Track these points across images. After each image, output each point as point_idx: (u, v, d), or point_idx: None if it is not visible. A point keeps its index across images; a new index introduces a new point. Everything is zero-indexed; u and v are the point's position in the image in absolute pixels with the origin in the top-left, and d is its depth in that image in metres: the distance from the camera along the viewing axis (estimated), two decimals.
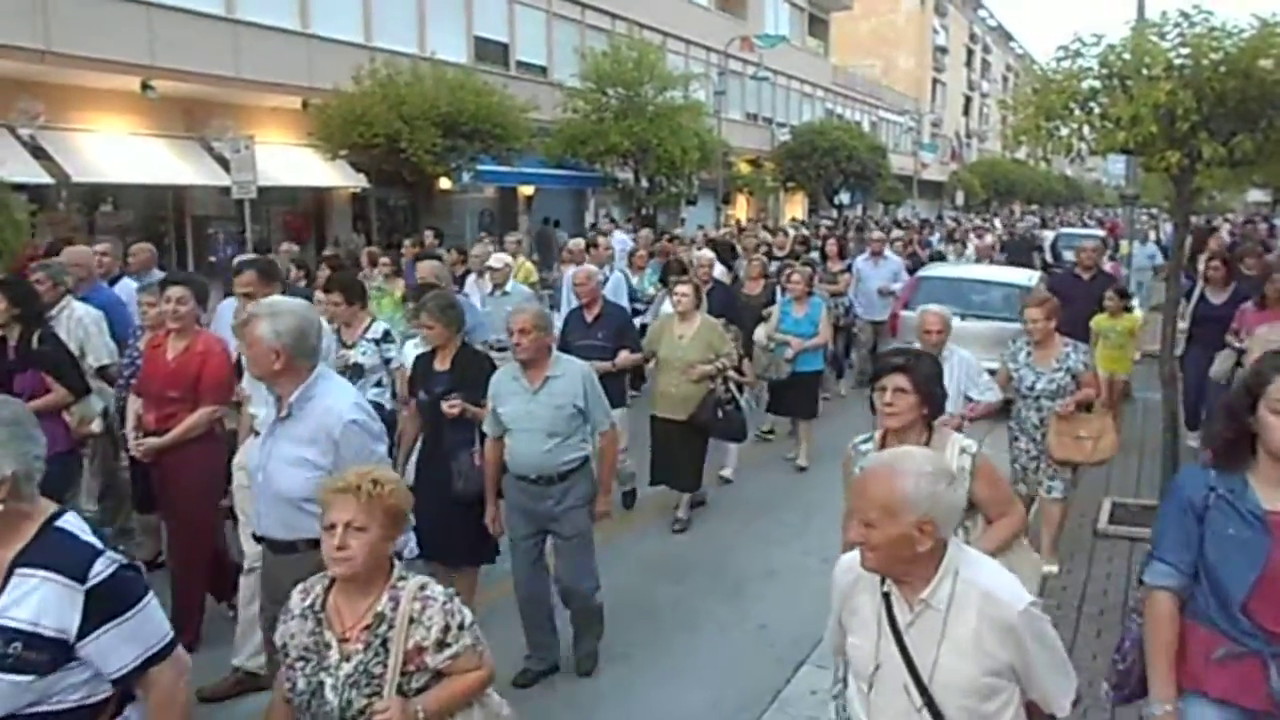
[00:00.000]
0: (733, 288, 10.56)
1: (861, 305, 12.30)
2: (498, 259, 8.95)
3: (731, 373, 7.56)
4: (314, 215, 20.59)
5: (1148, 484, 7.18)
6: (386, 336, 6.11)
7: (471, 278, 9.51)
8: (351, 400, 3.70)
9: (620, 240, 16.07)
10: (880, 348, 11.96)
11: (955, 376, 5.51)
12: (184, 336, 5.18)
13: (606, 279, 9.37)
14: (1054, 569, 6.11)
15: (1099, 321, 8.80)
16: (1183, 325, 7.97)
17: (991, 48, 75.22)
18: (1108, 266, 11.95)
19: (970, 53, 70.12)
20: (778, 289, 10.11)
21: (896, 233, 18.73)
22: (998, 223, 30.83)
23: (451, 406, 5.10)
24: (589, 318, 7.27)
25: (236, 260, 6.87)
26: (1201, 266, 10.62)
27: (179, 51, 16.09)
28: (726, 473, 8.42)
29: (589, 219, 27.47)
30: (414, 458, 5.59)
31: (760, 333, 8.97)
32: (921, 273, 12.90)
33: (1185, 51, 6.04)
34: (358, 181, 19.39)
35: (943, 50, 62.86)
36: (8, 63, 14.18)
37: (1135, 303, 10.49)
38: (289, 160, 18.12)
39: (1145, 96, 5.89)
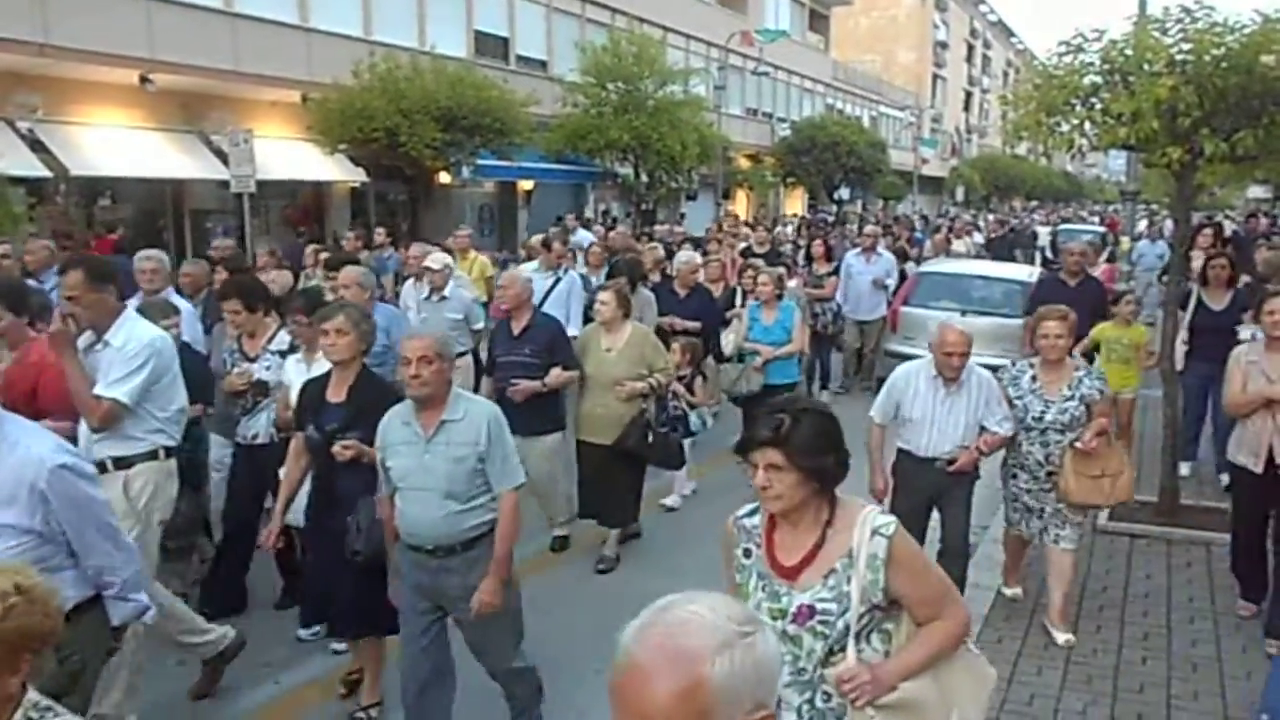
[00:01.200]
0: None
1: (849, 304, 11.60)
2: (436, 259, 8.08)
3: (680, 388, 7.05)
4: (313, 209, 20.56)
5: (1147, 481, 7.15)
6: (294, 348, 5.42)
7: (409, 283, 8.71)
8: (52, 442, 3.11)
9: (584, 238, 15.36)
10: (866, 348, 11.89)
11: (972, 401, 5.05)
12: (15, 348, 4.70)
13: (559, 280, 8.77)
14: (1071, 638, 5.15)
15: (1104, 331, 7.87)
16: (1183, 337, 7.34)
17: (992, 43, 75.12)
18: (1100, 270, 11.11)
19: (971, 48, 70.04)
20: (739, 292, 9.39)
21: (870, 227, 16.19)
22: (990, 219, 30.34)
23: (345, 448, 4.26)
24: (515, 329, 6.30)
25: (64, 259, 6.01)
26: (1197, 265, 9.65)
27: (178, 45, 16.05)
28: (671, 501, 7.65)
29: (588, 214, 27.45)
30: (303, 500, 4.73)
31: (728, 341, 8.28)
32: (922, 268, 12.89)
33: (1187, 47, 6.02)
34: (357, 176, 19.38)
35: (943, 45, 62.78)
36: (6, 55, 14.16)
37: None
38: (288, 154, 18.09)
39: (1147, 92, 5.87)
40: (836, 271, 11.54)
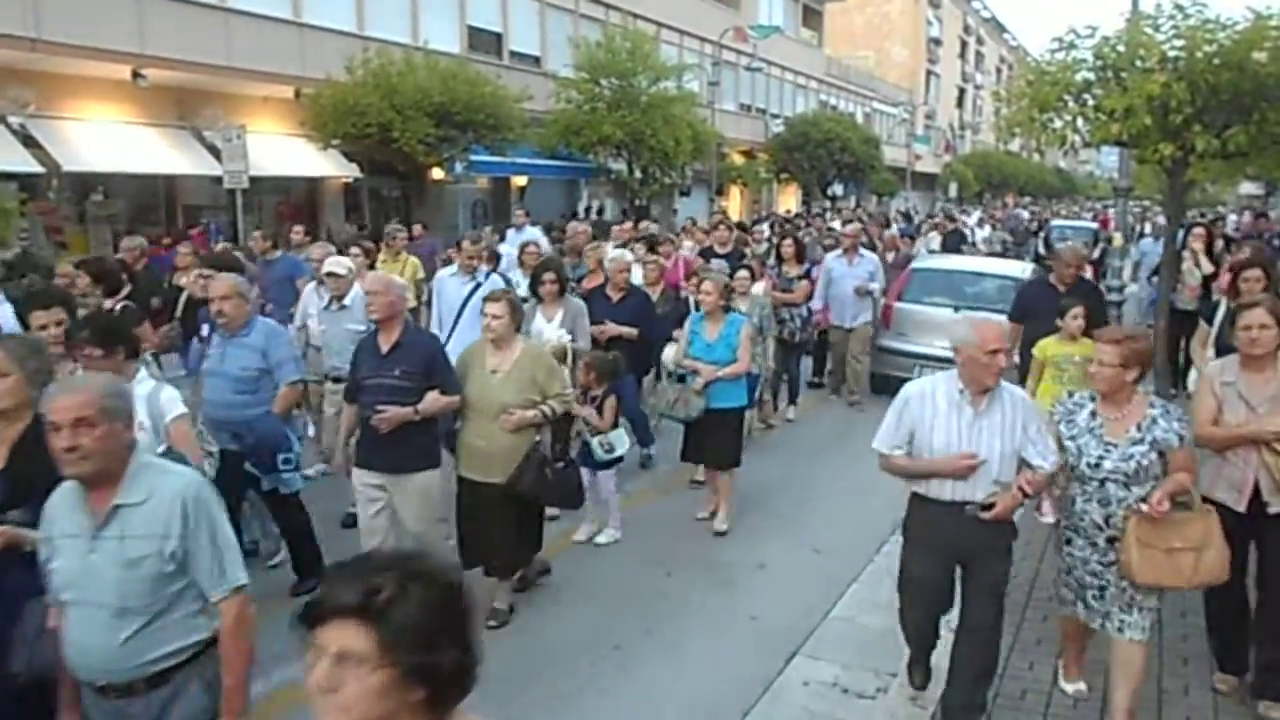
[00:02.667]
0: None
1: (833, 310, 10.80)
2: (338, 263, 7.18)
3: (587, 411, 6.38)
4: (306, 205, 20.51)
5: None
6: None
7: (309, 288, 7.91)
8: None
9: (529, 235, 13.72)
10: (852, 356, 10.91)
11: (1007, 424, 4.02)
12: None
13: (478, 285, 7.89)
14: None
15: (1048, 348, 6.55)
16: (1208, 355, 6.27)
17: (985, 39, 75.12)
18: (1091, 273, 10.16)
19: (964, 44, 70.03)
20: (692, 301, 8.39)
21: (850, 226, 14.08)
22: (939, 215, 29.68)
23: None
24: (384, 346, 5.28)
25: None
26: (1188, 266, 9.45)
27: (170, 40, 16.00)
28: (604, 538, 6.77)
29: (581, 210, 27.43)
30: None
31: (668, 356, 7.35)
32: (915, 264, 12.88)
33: (1179, 44, 6.06)
34: (350, 171, 19.35)
35: (936, 42, 62.77)
36: None
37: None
38: (281, 150, 18.06)
39: (1139, 89, 5.91)
40: (809, 274, 10.54)
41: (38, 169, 14.27)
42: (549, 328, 7.22)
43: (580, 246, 10.52)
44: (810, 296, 10.34)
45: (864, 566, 6.37)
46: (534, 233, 14.11)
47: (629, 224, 16.08)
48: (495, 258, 9.84)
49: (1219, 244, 10.95)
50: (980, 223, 24.55)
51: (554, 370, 5.56)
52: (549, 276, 7.30)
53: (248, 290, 5.70)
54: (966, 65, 70.92)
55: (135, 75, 15.81)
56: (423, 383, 5.19)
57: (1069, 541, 4.25)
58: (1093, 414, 4.17)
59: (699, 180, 29.23)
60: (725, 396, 6.94)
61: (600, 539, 6.77)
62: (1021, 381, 6.96)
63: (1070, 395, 4.40)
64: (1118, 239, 16.06)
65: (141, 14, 15.85)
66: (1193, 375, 6.77)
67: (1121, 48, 6.18)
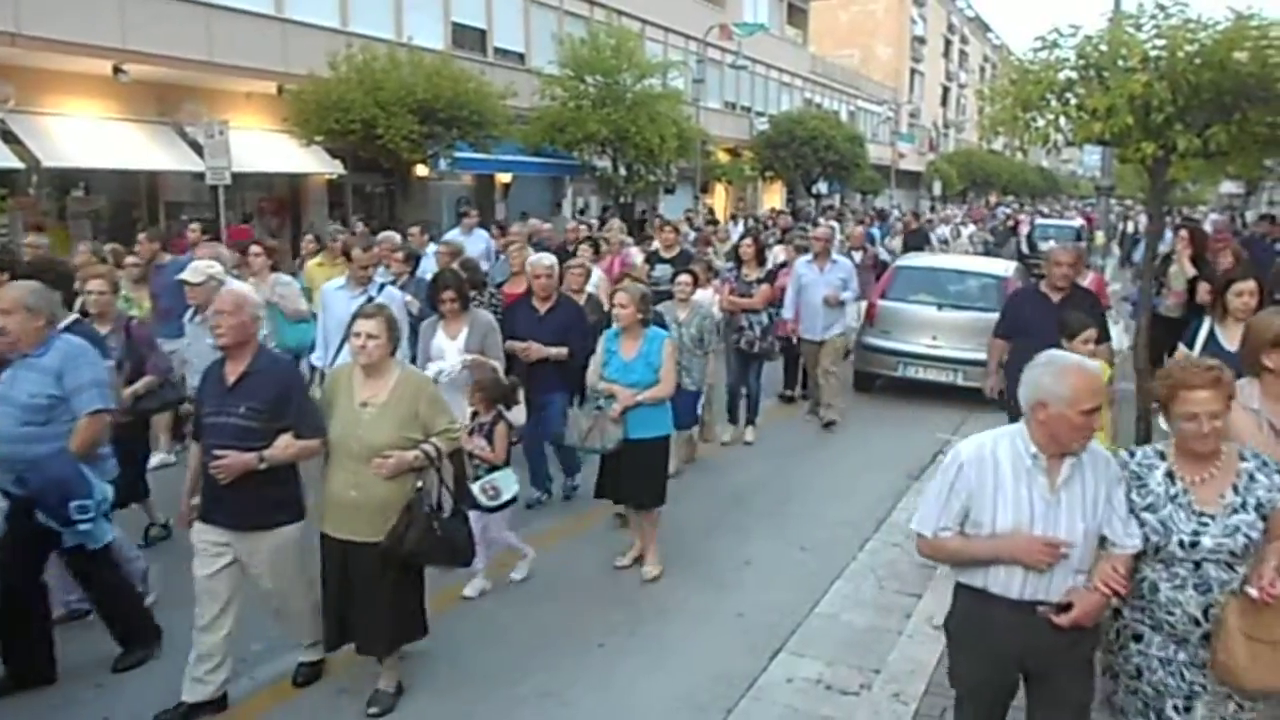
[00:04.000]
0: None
1: (803, 321, 9.84)
2: (194, 270, 6.43)
3: (478, 443, 5.59)
4: (289, 202, 20.42)
5: None
6: None
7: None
8: None
9: (478, 240, 12.64)
10: (822, 368, 9.93)
11: (1088, 495, 3.13)
12: None
13: (370, 300, 6.92)
14: None
15: None
16: None
17: (969, 38, 75.44)
18: (1089, 279, 9.14)
19: (948, 43, 70.31)
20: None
21: (820, 228, 12.07)
22: (906, 211, 29.20)
23: None
24: (230, 376, 4.40)
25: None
26: (1174, 271, 8.98)
27: (151, 35, 15.88)
28: (474, 591, 5.83)
29: (566, 207, 27.39)
30: None
31: (591, 375, 6.28)
32: (899, 262, 12.94)
33: (1161, 43, 6.09)
34: (334, 168, 19.27)
35: (921, 40, 62.99)
36: None
37: (1118, 329, 8.49)
38: (264, 146, 17.96)
39: (1121, 88, 5.93)
40: (770, 278, 9.57)
41: (17, 165, 14.13)
42: (451, 347, 6.38)
43: (558, 244, 9.94)
44: (771, 302, 9.41)
45: (848, 564, 6.40)
46: (484, 236, 13.04)
47: (576, 224, 15.73)
48: (415, 262, 8.87)
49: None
50: (964, 221, 24.63)
51: (438, 401, 4.62)
52: (448, 294, 6.34)
53: (42, 303, 4.63)
54: (950, 64, 71.20)
55: (116, 70, 15.69)
56: (272, 422, 4.32)
57: (1139, 638, 3.26)
58: (1170, 476, 3.21)
59: (684, 178, 29.22)
60: (647, 424, 5.99)
61: (515, 574, 6.04)
62: (1013, 416, 6.63)
63: (1129, 453, 3.34)
64: (1100, 237, 16.18)
65: (123, 9, 15.72)
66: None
67: (1104, 47, 6.21)
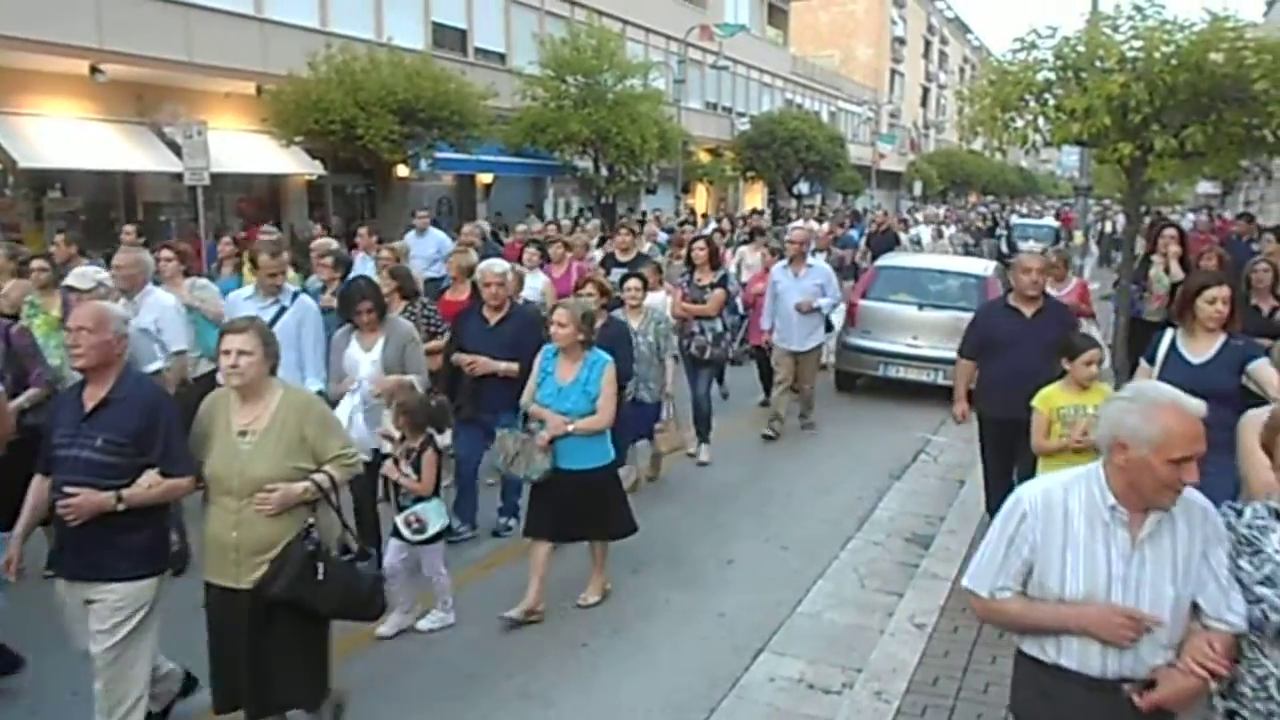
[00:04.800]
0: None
1: (779, 330, 9.35)
2: (81, 276, 5.95)
3: (404, 470, 5.13)
4: (269, 202, 20.31)
5: None
6: None
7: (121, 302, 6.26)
8: None
9: (431, 241, 12.03)
10: (803, 384, 9.55)
11: (1180, 552, 2.58)
12: None
13: (283, 310, 6.27)
14: None
15: (1051, 397, 5.07)
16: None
17: (949, 39, 75.85)
18: (1069, 289, 8.26)
19: (928, 44, 70.65)
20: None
21: (796, 230, 11.10)
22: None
23: None
24: (89, 402, 3.84)
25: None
26: (1156, 274, 8.20)
27: (129, 35, 15.77)
28: (390, 630, 5.26)
29: (548, 207, 27.35)
30: None
31: (525, 395, 5.63)
32: (880, 262, 12.98)
33: (1138, 45, 6.15)
34: (314, 169, 19.19)
35: (901, 41, 63.27)
36: None
37: (1099, 335, 7.90)
38: (243, 146, 17.86)
39: (1099, 88, 5.99)
40: (724, 282, 8.93)
41: None
42: (365, 360, 5.80)
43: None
44: (724, 307, 8.77)
45: (830, 563, 6.42)
46: (438, 236, 12.46)
47: (541, 225, 15.09)
48: (345, 267, 8.21)
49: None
50: (945, 221, 24.66)
51: (328, 422, 4.04)
52: (365, 305, 5.75)
53: None
54: (930, 65, 71.56)
55: (93, 70, 15.57)
56: (136, 457, 3.76)
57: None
58: None
59: (665, 178, 29.25)
60: (578, 455, 5.39)
61: (423, 624, 5.35)
62: (984, 447, 6.28)
63: (1235, 511, 2.73)
64: (1078, 237, 16.27)
65: (100, 8, 15.60)
66: None
67: (1081, 48, 6.26)
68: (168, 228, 17.49)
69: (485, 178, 24.85)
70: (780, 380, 9.42)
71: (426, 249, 11.50)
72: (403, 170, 19.69)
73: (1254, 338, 5.56)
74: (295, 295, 6.52)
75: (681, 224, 20.01)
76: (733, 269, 11.71)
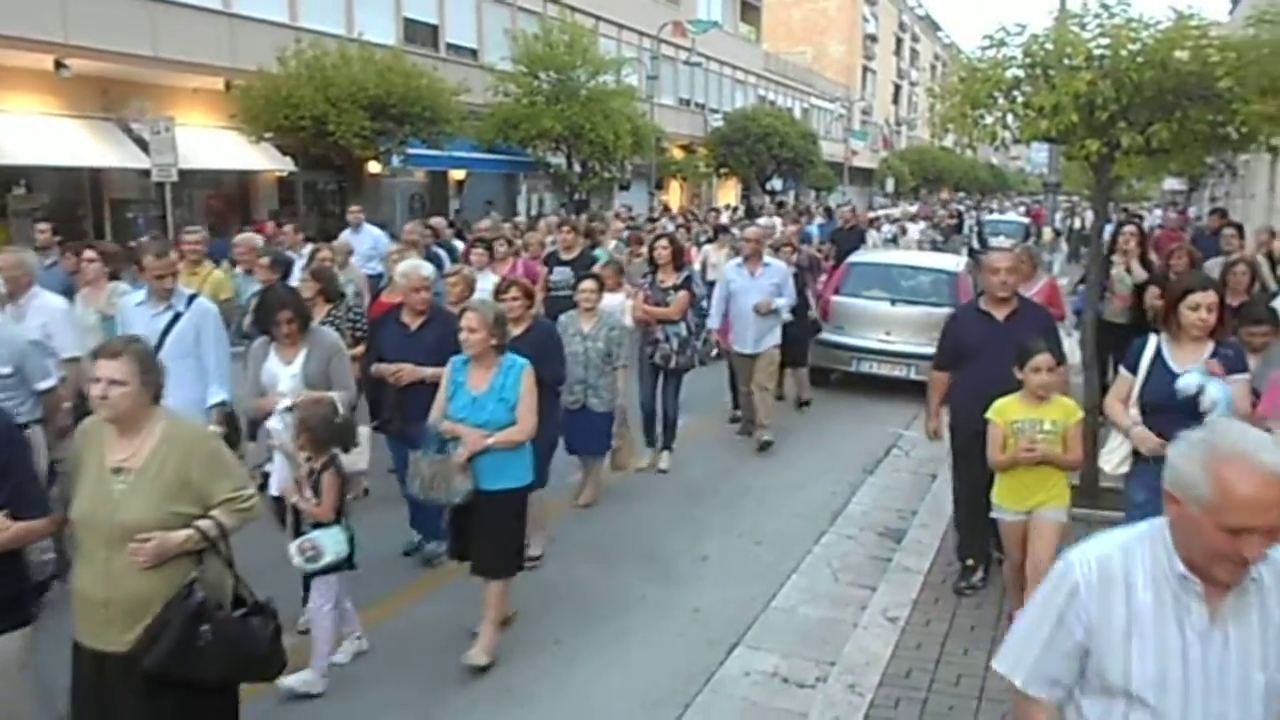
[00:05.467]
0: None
1: (734, 332, 8.88)
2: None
3: (305, 496, 4.63)
4: (238, 199, 20.17)
5: None
6: None
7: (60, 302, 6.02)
8: None
9: (366, 238, 11.55)
10: (751, 386, 8.97)
11: (1270, 634, 2.06)
12: None
13: (177, 316, 5.68)
14: None
15: (1006, 409, 4.80)
16: (1133, 414, 4.63)
17: (920, 36, 76.34)
18: (1038, 288, 7.71)
19: (899, 41, 71.07)
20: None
21: (751, 228, 10.48)
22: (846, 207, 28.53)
23: None
24: None
25: None
26: (1118, 273, 8.24)
27: (94, 29, 15.59)
28: (295, 681, 4.54)
29: (521, 204, 27.30)
30: None
31: (434, 412, 5.09)
32: (852, 258, 13.06)
33: (1105, 42, 6.19)
34: (284, 165, 19.06)
35: (873, 38, 63.62)
36: None
37: (1072, 341, 7.56)
38: (212, 143, 17.73)
39: (1066, 86, 6.02)
40: (689, 283, 8.38)
41: None
42: (286, 374, 5.28)
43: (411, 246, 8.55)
44: (689, 309, 8.30)
45: (803, 557, 6.45)
46: (373, 234, 11.95)
47: (494, 223, 14.08)
48: (284, 267, 7.63)
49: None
50: (914, 219, 24.82)
51: (218, 461, 3.41)
52: (285, 315, 5.23)
53: None
54: (902, 62, 71.99)
55: (58, 65, 15.40)
56: None
57: None
58: None
59: (639, 175, 29.27)
60: (500, 473, 4.85)
61: (291, 681, 4.50)
62: (955, 461, 5.85)
63: None
64: (1048, 233, 16.41)
65: (65, 2, 15.41)
66: (1113, 443, 4.90)
67: (1049, 46, 6.30)
68: (136, 224, 17.33)
69: (458, 174, 24.77)
70: (745, 386, 9.13)
71: (362, 245, 11.01)
72: (374, 166, 19.61)
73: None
74: (191, 299, 5.79)
75: (650, 220, 19.78)
76: (698, 268, 11.52)
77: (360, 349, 6.44)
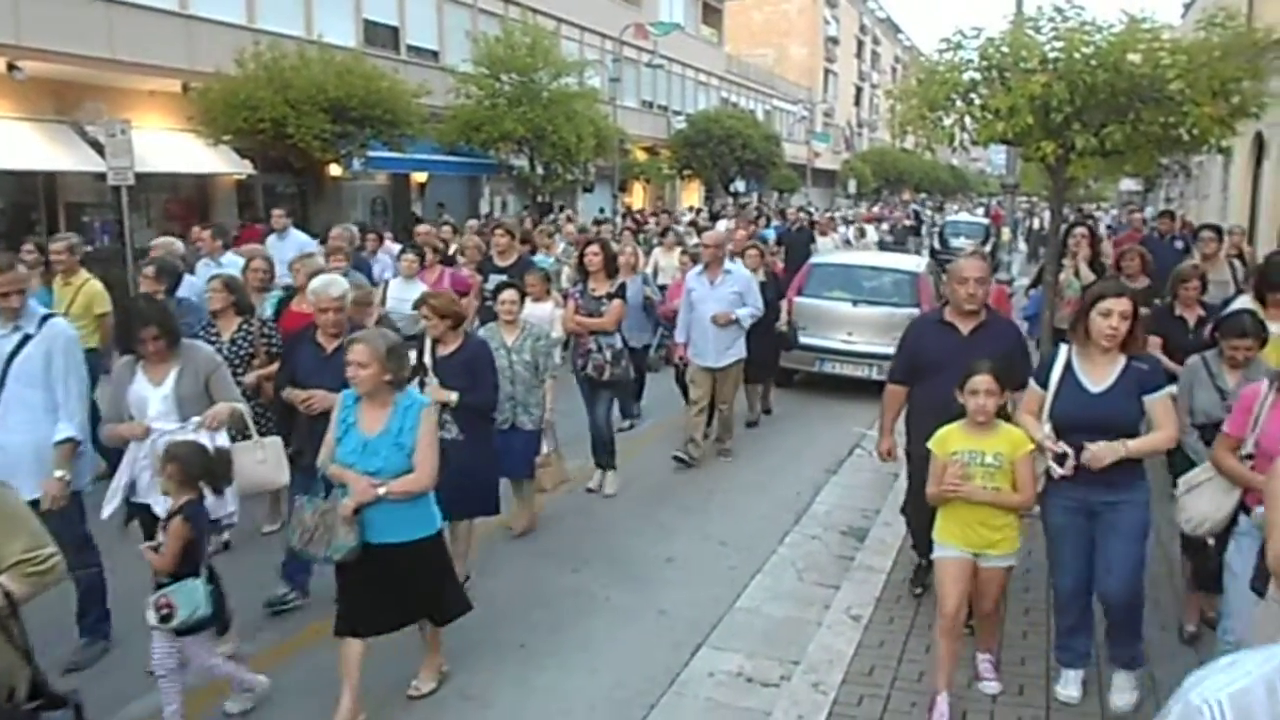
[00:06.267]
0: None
1: (693, 345, 8.37)
2: None
3: (160, 555, 4.10)
4: (197, 203, 19.88)
5: None
6: None
7: None
8: None
9: (292, 243, 10.56)
10: (721, 403, 8.62)
11: None
12: None
13: (26, 339, 4.77)
14: None
15: (947, 439, 4.28)
16: (1045, 429, 4.20)
17: (881, 39, 76.94)
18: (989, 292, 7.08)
19: (860, 44, 71.58)
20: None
21: (710, 233, 10.32)
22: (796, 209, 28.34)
23: None
24: None
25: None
26: (1066, 277, 7.86)
27: (48, 30, 15.32)
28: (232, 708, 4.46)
29: (484, 206, 27.18)
30: None
31: (323, 454, 4.44)
32: (814, 259, 13.15)
33: (1059, 45, 6.30)
34: (243, 168, 18.84)
35: (834, 41, 64.01)
36: None
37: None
38: (169, 146, 17.47)
39: (1022, 88, 6.13)
40: (622, 292, 7.89)
41: None
42: (155, 395, 4.74)
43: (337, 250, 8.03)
44: (621, 320, 7.82)
45: (768, 558, 6.48)
46: (299, 238, 11.12)
47: (429, 229, 12.71)
48: (172, 279, 6.97)
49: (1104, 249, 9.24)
50: (874, 220, 24.98)
51: (11, 518, 2.83)
52: (149, 332, 4.65)
53: None
54: (863, 64, 72.52)
55: (11, 68, 15.13)
56: None
57: None
58: None
59: (602, 177, 29.25)
60: (396, 525, 4.27)
61: (231, 706, 4.47)
62: (911, 484, 5.42)
63: None
64: (1006, 233, 16.61)
65: (17, 3, 15.14)
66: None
67: (1005, 49, 6.41)
68: (92, 229, 17.05)
69: (420, 177, 24.62)
70: (696, 400, 8.42)
71: (286, 253, 9.25)
72: (335, 169, 19.44)
73: (1177, 351, 5.59)
74: (44, 320, 4.89)
75: (596, 223, 19.36)
76: (649, 271, 11.36)
77: (274, 367, 5.90)
